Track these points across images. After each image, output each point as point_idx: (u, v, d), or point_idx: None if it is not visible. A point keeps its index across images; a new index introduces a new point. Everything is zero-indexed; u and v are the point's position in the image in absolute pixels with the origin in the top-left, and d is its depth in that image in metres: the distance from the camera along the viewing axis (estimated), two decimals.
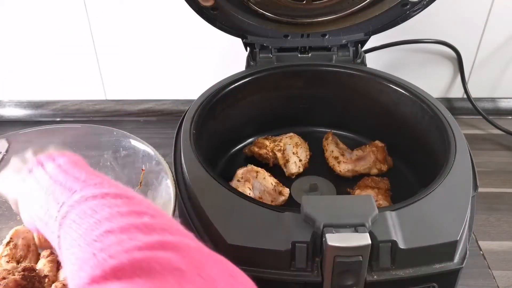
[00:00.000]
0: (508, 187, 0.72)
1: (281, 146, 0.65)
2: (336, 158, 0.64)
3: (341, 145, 0.67)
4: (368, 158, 0.63)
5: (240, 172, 0.60)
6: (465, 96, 0.86)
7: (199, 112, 0.58)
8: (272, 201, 0.58)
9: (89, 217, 0.30)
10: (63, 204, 0.33)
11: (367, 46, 0.76)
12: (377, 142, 0.65)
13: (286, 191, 0.58)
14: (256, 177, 0.59)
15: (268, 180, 0.59)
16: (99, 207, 0.30)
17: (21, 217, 0.41)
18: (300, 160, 0.64)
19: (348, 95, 0.68)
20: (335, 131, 0.69)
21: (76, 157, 0.40)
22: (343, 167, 0.63)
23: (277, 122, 0.69)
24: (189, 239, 0.30)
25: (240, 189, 0.55)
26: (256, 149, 0.65)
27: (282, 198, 0.58)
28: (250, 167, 0.61)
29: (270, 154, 0.64)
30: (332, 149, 0.65)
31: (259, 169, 0.61)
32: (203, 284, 0.25)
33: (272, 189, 0.58)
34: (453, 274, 0.44)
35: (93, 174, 0.37)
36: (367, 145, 0.65)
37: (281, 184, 0.59)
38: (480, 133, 0.84)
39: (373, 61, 0.72)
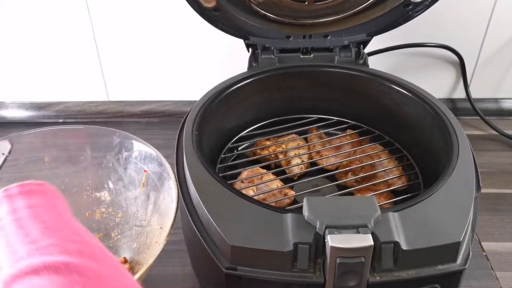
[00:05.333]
0: (511, 188, 0.72)
1: (283, 147, 0.65)
2: (318, 152, 0.65)
3: (324, 137, 0.68)
4: (344, 145, 0.65)
5: (245, 173, 0.60)
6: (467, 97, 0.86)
7: (201, 113, 0.58)
8: (276, 203, 0.57)
9: None
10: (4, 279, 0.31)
11: (371, 49, 0.76)
12: (348, 130, 0.67)
13: (292, 193, 0.58)
14: (261, 178, 0.59)
15: (274, 182, 0.59)
16: None
17: None
18: (303, 161, 0.64)
19: (350, 96, 0.68)
20: (336, 132, 0.69)
21: (41, 189, 0.37)
22: (326, 160, 0.64)
23: (279, 123, 0.69)
24: None
25: (243, 191, 0.55)
26: (258, 151, 0.65)
27: (287, 201, 0.58)
28: (256, 168, 0.61)
29: (272, 156, 0.64)
30: (314, 144, 0.66)
31: (264, 170, 0.61)
32: None
33: (277, 191, 0.58)
34: (456, 275, 0.44)
35: (48, 228, 0.34)
36: (340, 135, 0.68)
37: (287, 187, 0.59)
38: (483, 134, 0.84)
39: (376, 64, 0.72)
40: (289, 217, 0.43)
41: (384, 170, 0.61)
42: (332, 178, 0.62)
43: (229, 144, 0.66)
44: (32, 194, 0.37)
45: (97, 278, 0.31)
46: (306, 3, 0.62)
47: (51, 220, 0.35)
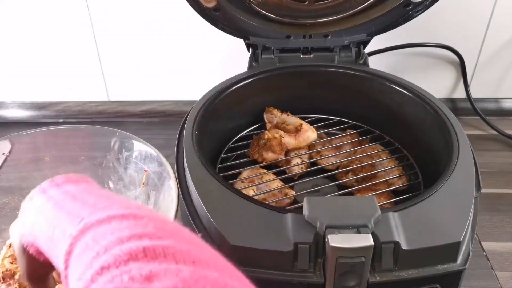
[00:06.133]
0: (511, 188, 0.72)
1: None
2: (318, 152, 0.65)
3: (325, 137, 0.68)
4: (344, 145, 0.65)
5: (245, 173, 0.60)
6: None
7: (202, 113, 0.58)
8: (276, 203, 0.57)
9: (90, 250, 0.29)
10: (70, 237, 0.31)
11: (371, 49, 0.76)
12: (348, 130, 0.68)
13: (292, 193, 0.58)
14: (262, 178, 0.59)
15: (274, 182, 0.59)
16: (101, 236, 0.30)
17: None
18: (303, 161, 0.64)
19: (351, 96, 0.68)
20: (336, 132, 0.69)
21: (83, 179, 0.38)
22: (326, 160, 0.64)
23: None
24: (208, 271, 0.27)
25: (244, 190, 0.55)
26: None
27: (287, 201, 0.58)
28: (256, 168, 0.61)
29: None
30: (314, 144, 0.66)
31: (264, 170, 0.61)
32: None
33: (278, 191, 0.58)
34: (456, 275, 0.44)
35: (102, 196, 0.35)
36: (340, 135, 0.68)
37: (287, 187, 0.59)
38: (483, 134, 0.84)
39: (376, 64, 0.72)
40: (289, 217, 0.43)
41: (384, 170, 0.61)
42: (332, 178, 0.62)
43: (229, 144, 0.66)
44: (79, 181, 0.38)
45: (165, 222, 0.32)
46: (306, 3, 0.62)
47: (105, 194, 0.36)
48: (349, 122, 0.69)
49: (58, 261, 0.32)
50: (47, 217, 0.35)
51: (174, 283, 0.25)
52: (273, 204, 0.56)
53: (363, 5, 0.62)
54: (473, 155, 0.52)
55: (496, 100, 0.88)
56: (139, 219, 0.31)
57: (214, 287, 0.26)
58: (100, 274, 0.27)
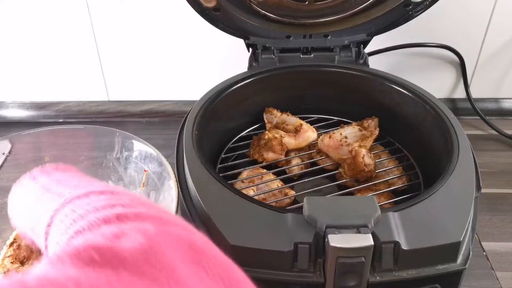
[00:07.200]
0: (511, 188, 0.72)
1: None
2: (318, 152, 0.65)
3: None
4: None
5: (245, 173, 0.60)
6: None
7: (201, 113, 0.58)
8: (276, 203, 0.57)
9: (68, 218, 0.31)
10: (51, 210, 0.34)
11: (371, 49, 0.76)
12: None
13: (292, 193, 0.58)
14: (262, 178, 0.59)
15: (274, 182, 0.59)
16: (79, 207, 0.31)
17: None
18: (303, 161, 0.64)
19: (351, 96, 0.68)
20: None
21: (71, 168, 0.42)
22: (326, 160, 0.64)
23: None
24: (174, 228, 0.29)
25: (244, 190, 0.55)
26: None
27: (287, 201, 0.58)
28: (256, 168, 0.61)
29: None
30: (313, 143, 0.66)
31: (264, 170, 0.61)
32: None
33: (278, 191, 0.58)
34: (456, 275, 0.44)
35: (85, 180, 0.38)
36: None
37: (287, 187, 0.59)
38: (483, 134, 0.84)
39: (376, 64, 0.72)
40: (289, 217, 0.43)
41: (384, 170, 0.61)
42: (332, 178, 0.62)
43: (229, 144, 0.66)
44: (67, 170, 0.41)
45: (140, 197, 0.34)
46: (306, 3, 0.62)
47: (88, 179, 0.39)
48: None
49: (39, 238, 0.35)
50: (34, 199, 0.38)
51: (140, 239, 0.26)
52: (273, 204, 0.56)
53: (363, 5, 0.62)
54: (473, 155, 0.52)
55: (496, 100, 0.88)
56: (115, 194, 0.33)
57: (178, 241, 0.27)
58: (74, 238, 0.29)
